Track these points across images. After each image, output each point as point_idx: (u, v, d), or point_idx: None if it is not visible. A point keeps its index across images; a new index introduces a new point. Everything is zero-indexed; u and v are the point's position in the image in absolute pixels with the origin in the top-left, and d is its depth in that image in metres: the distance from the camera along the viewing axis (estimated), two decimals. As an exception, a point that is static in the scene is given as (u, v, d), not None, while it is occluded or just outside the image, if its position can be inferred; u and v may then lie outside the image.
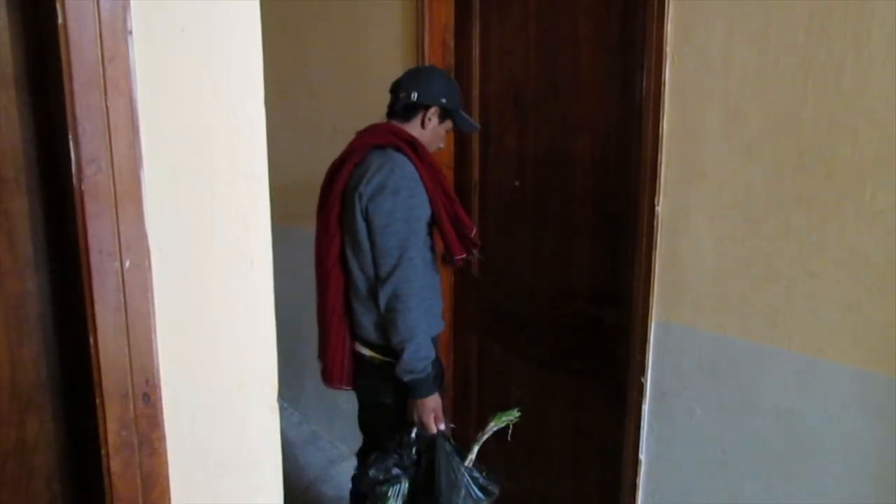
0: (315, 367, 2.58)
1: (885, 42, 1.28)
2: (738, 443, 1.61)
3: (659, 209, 1.68)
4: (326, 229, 1.77)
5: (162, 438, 0.87)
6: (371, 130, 1.80)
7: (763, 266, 1.51)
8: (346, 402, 2.53)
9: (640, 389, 1.78)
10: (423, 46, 2.24)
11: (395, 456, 1.70)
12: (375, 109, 2.46)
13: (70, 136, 0.76)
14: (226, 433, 0.95)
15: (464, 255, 1.79)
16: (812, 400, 1.47)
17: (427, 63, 2.24)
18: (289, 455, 2.92)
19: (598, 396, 2.05)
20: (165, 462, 0.88)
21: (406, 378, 1.67)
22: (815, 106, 1.39)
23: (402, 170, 1.67)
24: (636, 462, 1.82)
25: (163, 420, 0.87)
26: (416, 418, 1.72)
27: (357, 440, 2.91)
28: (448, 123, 1.84)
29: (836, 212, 1.38)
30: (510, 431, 1.85)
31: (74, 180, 0.77)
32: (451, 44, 2.30)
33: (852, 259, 1.37)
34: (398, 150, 1.71)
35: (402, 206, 1.64)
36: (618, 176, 1.89)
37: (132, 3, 0.78)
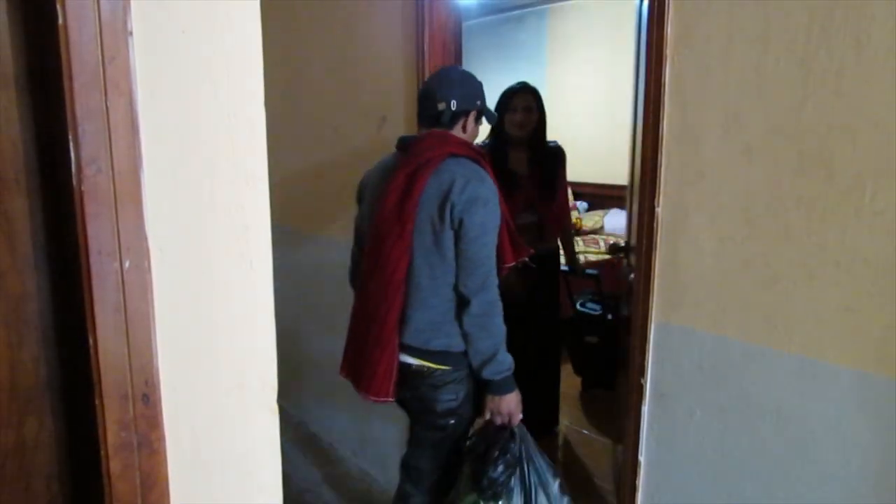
0: (316, 368, 2.58)
1: (885, 43, 1.28)
2: (738, 444, 1.61)
3: (659, 210, 1.68)
4: (401, 238, 1.68)
5: (161, 439, 0.87)
6: (442, 140, 1.73)
7: (763, 267, 1.51)
8: (346, 404, 2.53)
9: (640, 390, 1.78)
10: (423, 46, 2.24)
11: (506, 458, 1.73)
12: (375, 109, 2.47)
13: (70, 137, 0.76)
14: (225, 434, 0.95)
15: (514, 262, 1.79)
16: (812, 401, 1.47)
17: (427, 63, 2.23)
18: (288, 457, 2.92)
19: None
20: (165, 463, 0.88)
21: (499, 377, 1.72)
22: (814, 107, 1.39)
23: (487, 180, 1.70)
24: (636, 463, 1.82)
25: (162, 421, 0.87)
26: (503, 412, 1.75)
27: (357, 442, 2.91)
28: (480, 121, 1.86)
29: (835, 213, 1.38)
30: None
31: (74, 181, 0.77)
32: (451, 44, 2.30)
33: (852, 260, 1.37)
34: (474, 160, 1.73)
35: (491, 216, 1.68)
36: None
37: (132, 3, 0.78)
